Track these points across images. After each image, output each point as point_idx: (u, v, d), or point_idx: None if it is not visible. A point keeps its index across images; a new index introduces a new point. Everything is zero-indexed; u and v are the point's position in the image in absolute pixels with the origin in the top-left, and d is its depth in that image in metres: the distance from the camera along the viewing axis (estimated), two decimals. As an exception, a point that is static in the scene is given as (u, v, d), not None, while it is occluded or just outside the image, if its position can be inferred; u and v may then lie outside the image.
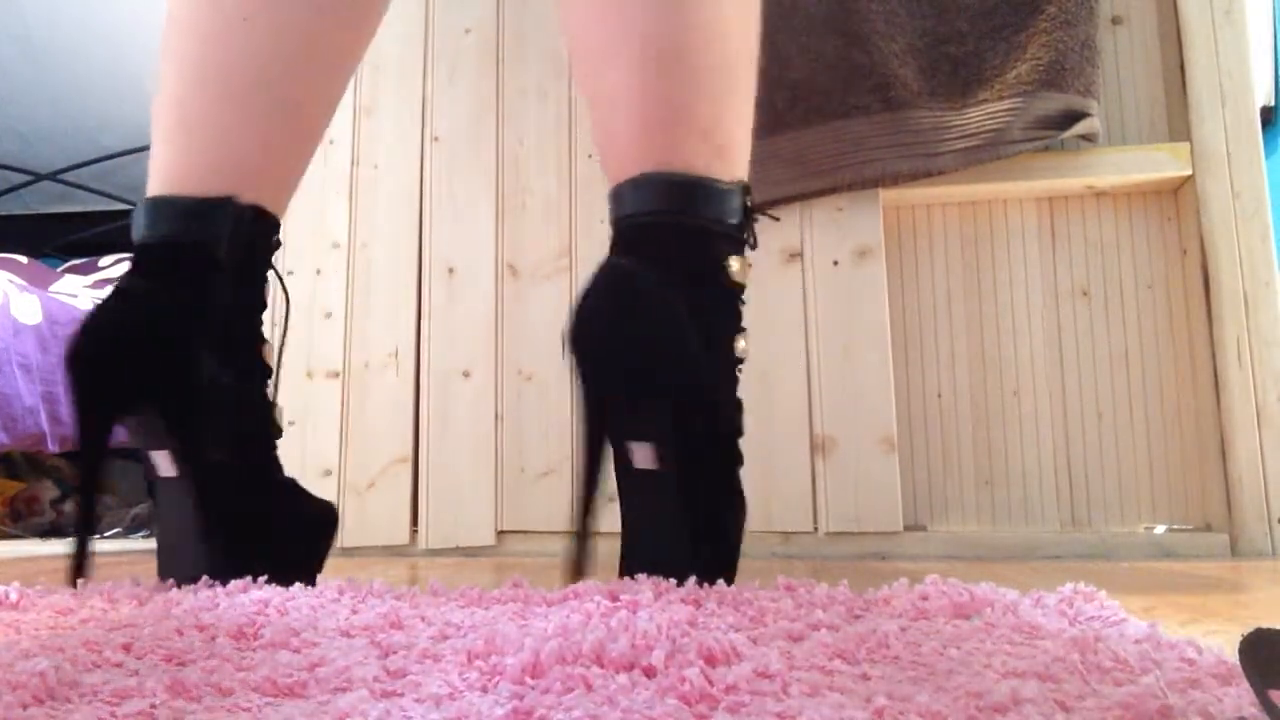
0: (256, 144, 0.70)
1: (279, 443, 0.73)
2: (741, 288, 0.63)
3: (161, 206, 0.66)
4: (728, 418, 0.63)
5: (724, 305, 0.62)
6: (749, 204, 0.64)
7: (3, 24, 2.33)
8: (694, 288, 0.60)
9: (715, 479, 0.63)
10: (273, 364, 0.72)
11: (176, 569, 0.64)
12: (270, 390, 0.72)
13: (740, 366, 0.64)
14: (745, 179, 0.65)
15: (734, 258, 0.62)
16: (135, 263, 0.66)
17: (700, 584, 0.56)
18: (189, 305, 0.64)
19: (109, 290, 0.65)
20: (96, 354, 0.62)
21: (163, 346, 0.63)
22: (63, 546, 1.50)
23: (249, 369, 0.68)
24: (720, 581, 0.59)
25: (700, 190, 0.61)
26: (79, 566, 0.67)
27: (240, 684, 0.34)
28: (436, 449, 1.26)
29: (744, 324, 0.64)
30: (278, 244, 0.72)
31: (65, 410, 1.89)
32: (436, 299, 1.30)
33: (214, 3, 0.69)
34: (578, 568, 0.64)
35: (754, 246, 0.65)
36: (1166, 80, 1.20)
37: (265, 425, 0.69)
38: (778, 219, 1.21)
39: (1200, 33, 1.16)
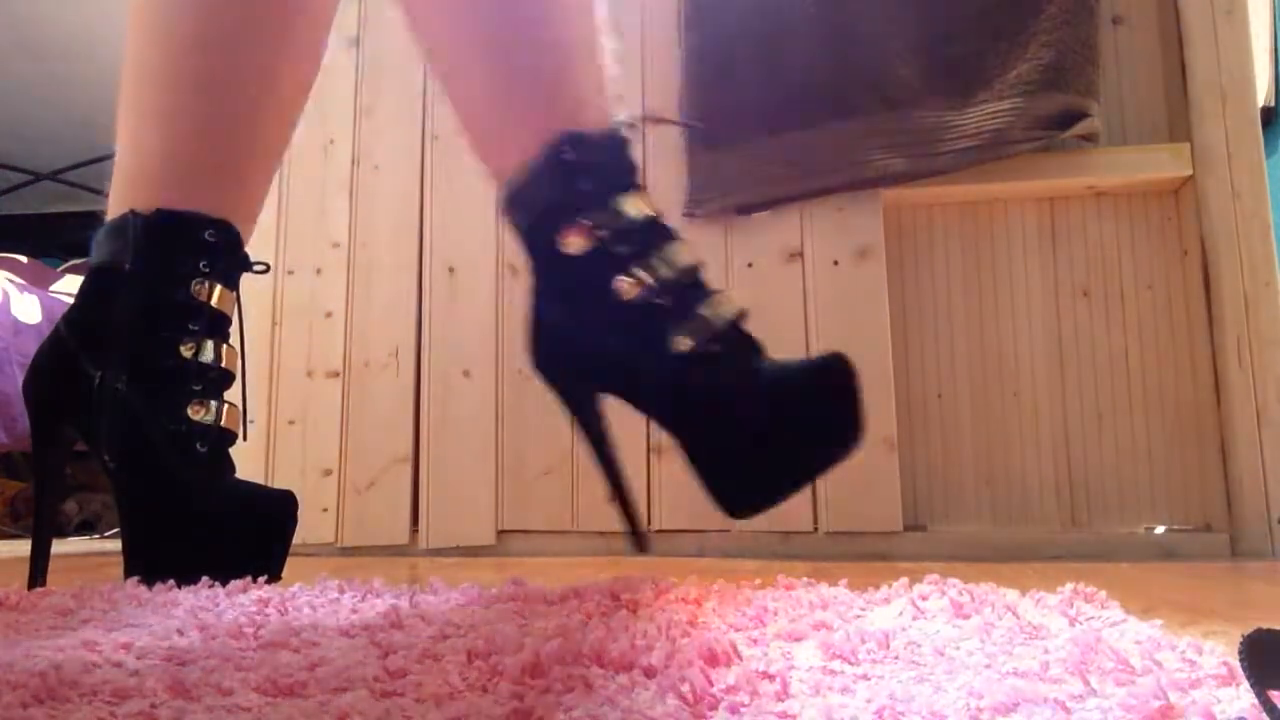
0: (165, 138, 0.70)
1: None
2: (591, 246, 0.62)
3: (98, 233, 0.73)
4: (653, 349, 0.62)
5: (579, 274, 0.63)
6: (568, 158, 0.63)
7: (2, 24, 2.33)
8: (550, 274, 0.65)
9: (694, 400, 0.62)
10: (234, 367, 0.72)
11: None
12: (221, 392, 0.71)
13: (657, 293, 0.62)
14: (565, 130, 0.63)
15: (565, 231, 0.63)
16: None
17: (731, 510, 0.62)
18: (84, 324, 0.70)
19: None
20: (31, 377, 0.72)
21: (66, 365, 0.70)
22: (64, 546, 1.50)
23: (150, 376, 0.68)
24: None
25: (514, 199, 0.66)
26: (36, 572, 0.70)
27: (240, 684, 0.34)
28: (436, 449, 1.26)
29: (640, 252, 0.63)
30: (212, 242, 0.70)
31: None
32: (436, 299, 1.30)
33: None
34: (640, 545, 0.69)
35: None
36: (1167, 80, 1.20)
37: (174, 426, 0.68)
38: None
39: (1201, 32, 1.16)
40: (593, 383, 0.66)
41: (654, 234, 0.63)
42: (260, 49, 0.72)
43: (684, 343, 0.61)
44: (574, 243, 0.62)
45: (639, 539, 0.69)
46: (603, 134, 0.64)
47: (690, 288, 0.63)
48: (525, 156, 0.63)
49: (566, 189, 0.63)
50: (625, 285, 0.61)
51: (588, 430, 0.66)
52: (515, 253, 1.29)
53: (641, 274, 0.62)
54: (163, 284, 0.69)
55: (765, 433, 0.62)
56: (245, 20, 0.71)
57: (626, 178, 0.64)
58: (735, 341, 0.63)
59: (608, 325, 0.62)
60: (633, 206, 0.63)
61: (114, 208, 0.72)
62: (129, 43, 0.72)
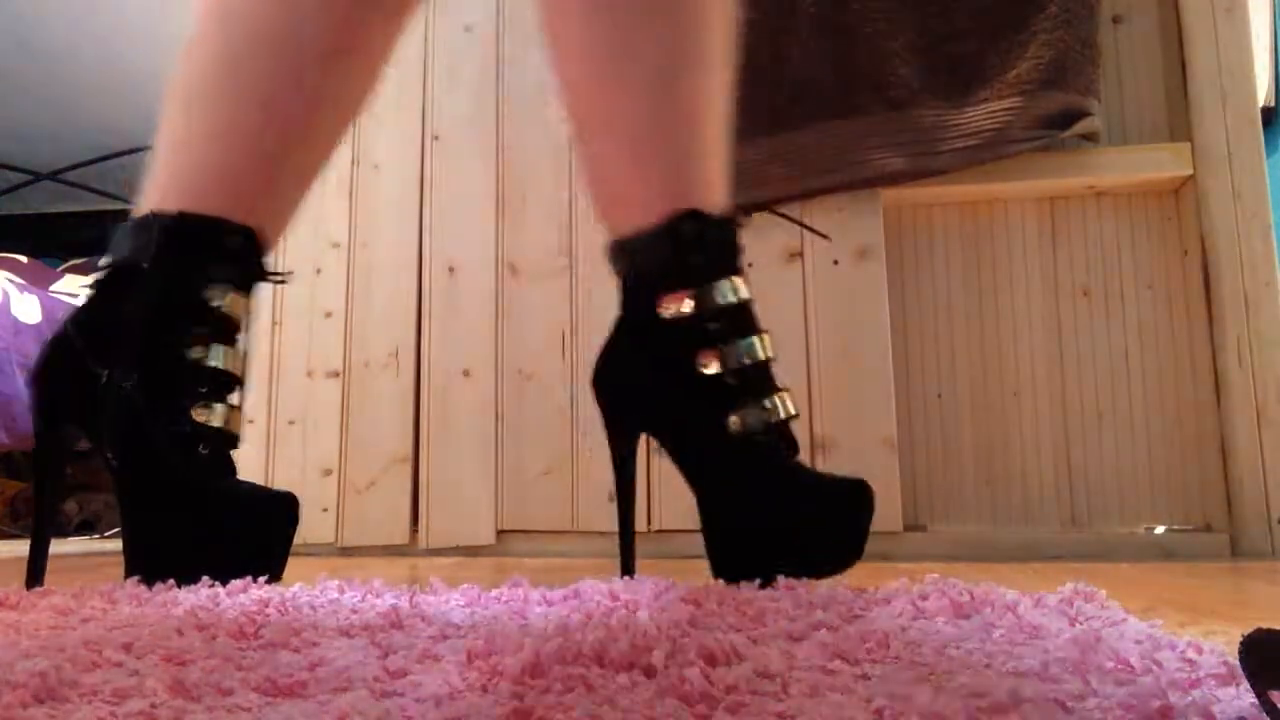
0: (214, 148, 0.71)
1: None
2: (686, 316, 0.69)
3: (118, 231, 0.74)
4: (708, 420, 0.68)
5: (667, 335, 0.70)
6: (685, 233, 0.69)
7: (2, 25, 2.33)
8: (640, 328, 0.71)
9: (726, 476, 0.68)
10: (240, 371, 0.72)
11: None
12: (226, 395, 0.71)
13: (730, 374, 0.69)
14: (688, 207, 0.69)
15: (666, 296, 0.69)
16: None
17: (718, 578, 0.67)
18: (92, 323, 0.71)
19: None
20: (36, 376, 0.72)
21: (71, 364, 0.71)
22: (64, 546, 1.50)
23: (155, 377, 0.69)
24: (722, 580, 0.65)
25: (625, 253, 0.72)
26: (35, 572, 0.70)
27: (240, 684, 0.34)
28: (436, 449, 1.26)
29: (727, 333, 0.69)
30: (232, 248, 0.71)
31: (65, 410, 1.89)
32: (436, 299, 1.30)
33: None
34: (627, 566, 0.74)
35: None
36: (1167, 79, 1.20)
37: (177, 427, 0.68)
38: (785, 216, 1.21)
39: (1201, 31, 1.16)
40: (642, 423, 0.72)
41: (743, 319, 0.70)
42: (328, 75, 0.74)
43: (737, 424, 0.67)
44: (672, 309, 0.69)
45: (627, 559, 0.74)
46: (721, 217, 0.70)
47: (759, 377, 0.69)
48: (646, 220, 0.69)
49: (678, 259, 0.69)
50: (706, 359, 0.68)
51: (618, 457, 0.73)
52: (515, 252, 1.29)
53: (723, 353, 0.68)
54: (177, 285, 0.70)
55: (779, 527, 0.68)
56: (316, 44, 0.72)
57: (733, 261, 0.70)
58: (780, 438, 0.69)
59: (679, 387, 0.69)
60: (732, 290, 0.69)
61: (142, 208, 0.72)
62: (190, 59, 0.73)
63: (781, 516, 0.68)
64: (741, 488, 0.68)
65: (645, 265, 0.70)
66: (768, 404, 0.69)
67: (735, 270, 0.70)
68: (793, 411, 0.70)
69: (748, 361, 0.69)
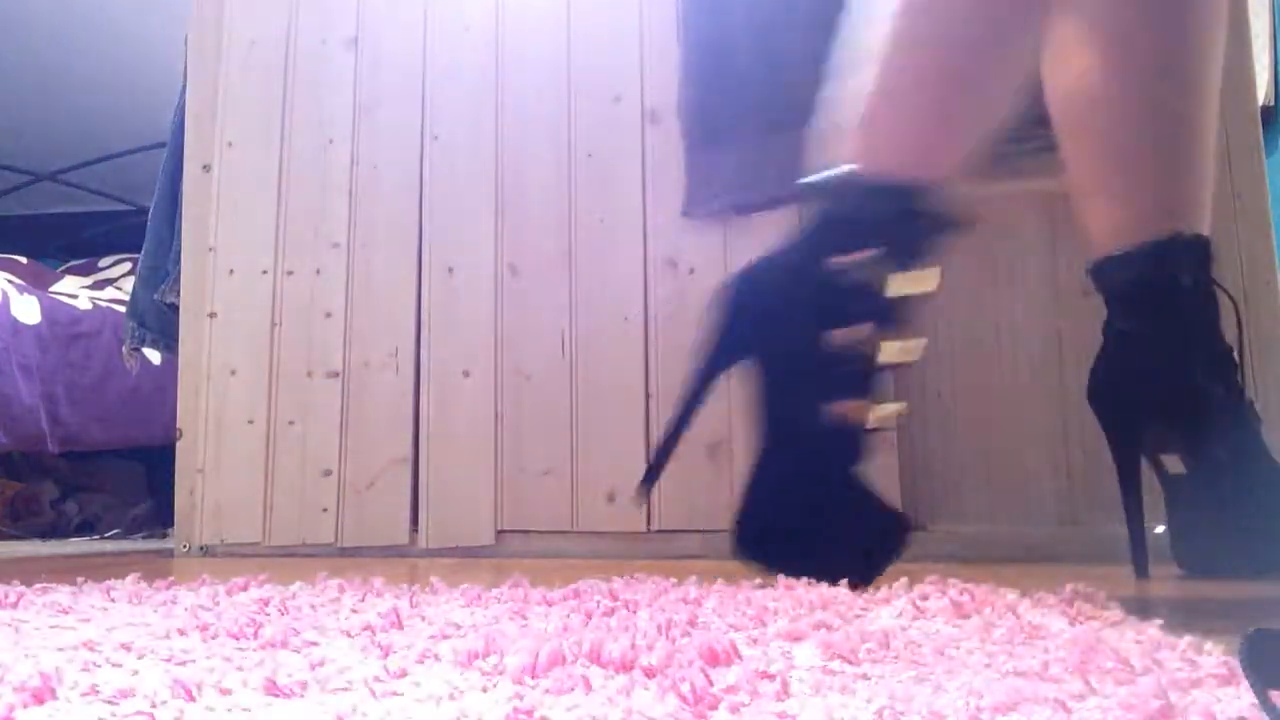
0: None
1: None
2: (850, 281, 0.70)
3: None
4: (806, 394, 0.69)
5: (825, 283, 0.71)
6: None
7: (3, 25, 2.33)
8: (802, 272, 0.72)
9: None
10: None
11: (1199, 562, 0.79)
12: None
13: (849, 360, 0.70)
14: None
15: (893, 275, 0.69)
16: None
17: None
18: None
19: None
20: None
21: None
22: (64, 546, 1.50)
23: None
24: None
25: (819, 189, 0.77)
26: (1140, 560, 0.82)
27: (240, 684, 0.34)
28: (436, 449, 1.26)
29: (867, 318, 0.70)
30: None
31: (65, 410, 1.89)
32: (436, 299, 1.30)
33: None
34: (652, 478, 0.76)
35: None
36: (1167, 80, 1.20)
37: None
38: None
39: (1200, 32, 1.16)
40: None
41: (895, 313, 0.71)
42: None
43: (829, 415, 0.67)
44: (841, 269, 0.69)
45: (649, 482, 0.76)
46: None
47: (871, 378, 0.70)
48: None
49: (876, 222, 0.70)
50: (837, 334, 0.68)
51: (690, 397, 0.72)
52: (515, 253, 1.29)
53: (857, 333, 0.68)
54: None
55: (816, 528, 0.68)
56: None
57: (910, 259, 0.71)
58: (855, 442, 0.69)
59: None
60: (897, 283, 0.70)
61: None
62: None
63: (824, 519, 0.68)
64: (802, 480, 0.68)
65: (840, 217, 0.72)
66: (865, 403, 0.69)
67: (908, 263, 0.72)
68: (881, 421, 0.71)
69: (872, 354, 0.70)
